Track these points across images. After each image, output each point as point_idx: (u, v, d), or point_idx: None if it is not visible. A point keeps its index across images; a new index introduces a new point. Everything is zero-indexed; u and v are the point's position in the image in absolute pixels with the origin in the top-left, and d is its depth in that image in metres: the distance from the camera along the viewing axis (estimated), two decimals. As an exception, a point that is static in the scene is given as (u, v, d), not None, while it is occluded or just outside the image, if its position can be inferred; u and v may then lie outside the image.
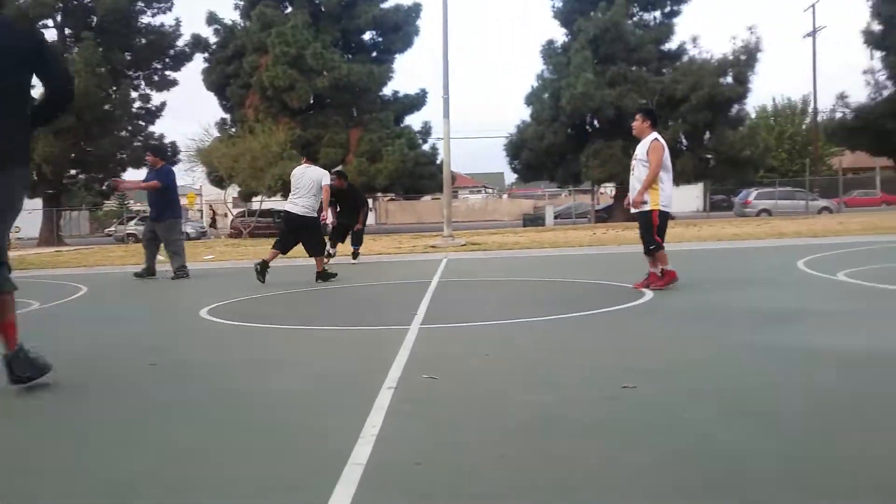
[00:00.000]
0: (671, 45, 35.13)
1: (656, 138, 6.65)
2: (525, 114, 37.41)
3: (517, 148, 35.81)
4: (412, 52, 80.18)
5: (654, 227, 6.60)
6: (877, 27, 33.22)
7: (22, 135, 3.31)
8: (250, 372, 3.78)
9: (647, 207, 6.62)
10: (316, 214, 9.03)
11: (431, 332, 4.77)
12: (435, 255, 13.71)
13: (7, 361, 3.32)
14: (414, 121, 37.69)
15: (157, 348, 4.63)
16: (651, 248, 6.64)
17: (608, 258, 11.32)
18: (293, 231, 9.02)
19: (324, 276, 8.78)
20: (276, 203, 35.15)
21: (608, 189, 41.39)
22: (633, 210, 6.78)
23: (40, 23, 31.38)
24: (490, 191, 65.94)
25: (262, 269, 8.62)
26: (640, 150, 6.70)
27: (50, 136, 29.99)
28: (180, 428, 2.80)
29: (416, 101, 36.56)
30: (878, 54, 33.43)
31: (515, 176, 42.21)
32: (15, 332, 3.35)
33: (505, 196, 60.87)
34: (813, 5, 38.87)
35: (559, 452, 2.33)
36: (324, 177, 9.04)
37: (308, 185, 8.90)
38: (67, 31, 33.07)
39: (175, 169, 12.21)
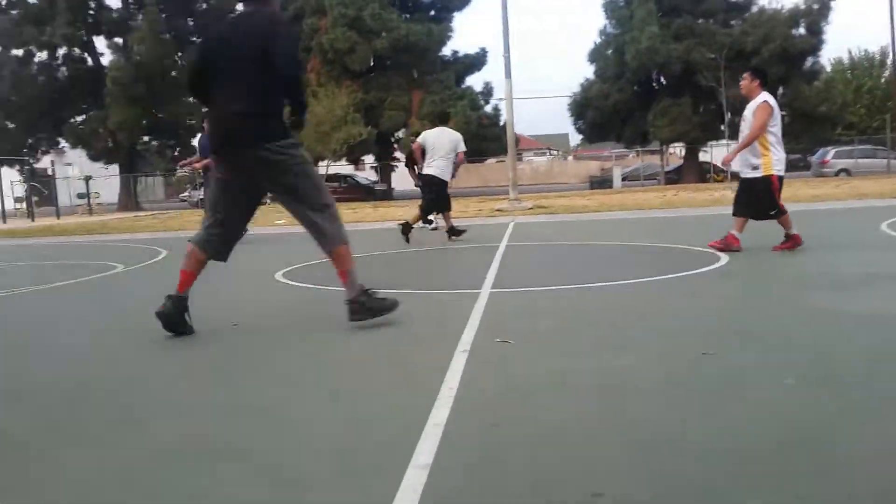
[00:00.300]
0: (739, -5, 33.53)
1: (766, 100, 6.26)
2: (588, 71, 36.36)
3: (582, 107, 35.05)
4: (470, 10, 78.55)
5: (774, 192, 6.29)
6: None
7: (281, 109, 3.69)
8: (326, 334, 3.88)
9: (759, 173, 6.31)
10: (447, 178, 9.02)
11: (502, 297, 4.79)
12: (502, 219, 13.67)
13: (348, 302, 3.84)
14: (475, 81, 37.19)
15: (236, 309, 4.81)
16: (773, 213, 6.35)
17: (680, 221, 11.09)
18: (436, 190, 9.03)
19: (455, 231, 9.14)
20: (341, 168, 35.54)
21: (677, 149, 40.21)
22: (742, 175, 6.54)
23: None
24: (555, 153, 64.94)
25: (453, 231, 9.13)
26: (748, 111, 6.38)
27: (122, 104, 30.89)
28: (264, 389, 2.91)
29: (476, 61, 35.96)
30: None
31: (580, 137, 41.24)
32: (348, 279, 3.85)
33: (570, 158, 59.85)
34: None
35: (636, 415, 2.33)
36: (460, 142, 9.11)
37: (443, 147, 8.92)
38: (130, -2, 33.70)
39: None
